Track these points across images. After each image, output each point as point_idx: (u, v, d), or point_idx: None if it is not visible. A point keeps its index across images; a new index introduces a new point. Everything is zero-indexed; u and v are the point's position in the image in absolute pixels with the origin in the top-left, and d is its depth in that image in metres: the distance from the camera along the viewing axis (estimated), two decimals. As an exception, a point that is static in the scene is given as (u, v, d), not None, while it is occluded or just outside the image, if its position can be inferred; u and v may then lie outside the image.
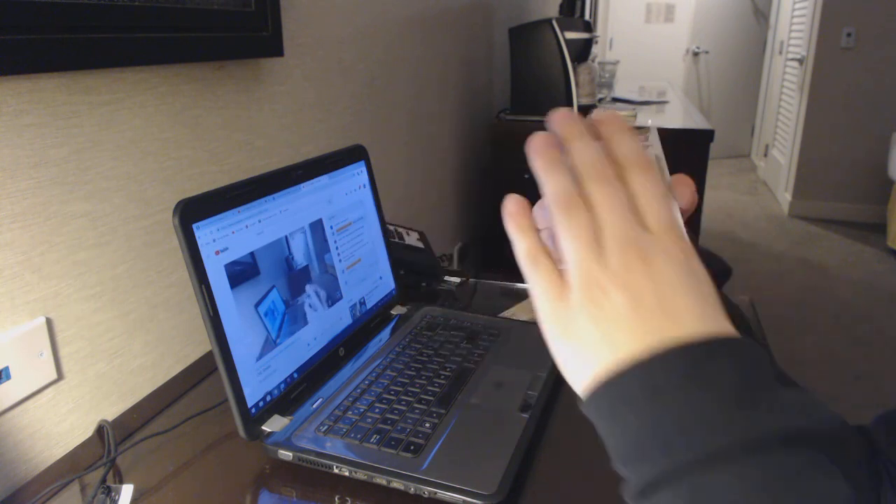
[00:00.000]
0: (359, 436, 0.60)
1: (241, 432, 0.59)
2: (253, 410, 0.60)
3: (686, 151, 2.03)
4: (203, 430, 0.67)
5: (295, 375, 0.66)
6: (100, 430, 0.68)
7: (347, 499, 0.56)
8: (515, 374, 0.71)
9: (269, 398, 0.63)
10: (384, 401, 0.65)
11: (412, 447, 0.58)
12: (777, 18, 5.30)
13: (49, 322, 0.63)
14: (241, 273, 0.61)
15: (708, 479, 0.26)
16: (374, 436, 0.60)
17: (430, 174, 1.76)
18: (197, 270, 0.56)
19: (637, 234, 0.30)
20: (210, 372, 0.79)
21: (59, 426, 0.66)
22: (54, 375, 0.64)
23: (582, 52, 2.33)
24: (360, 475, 0.56)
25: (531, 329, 0.83)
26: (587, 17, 3.70)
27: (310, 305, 0.70)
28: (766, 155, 5.27)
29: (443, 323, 0.83)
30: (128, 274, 0.73)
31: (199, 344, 0.85)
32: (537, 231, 0.33)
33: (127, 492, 0.57)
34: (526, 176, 0.34)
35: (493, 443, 0.59)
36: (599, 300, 0.29)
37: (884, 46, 3.88)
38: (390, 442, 0.59)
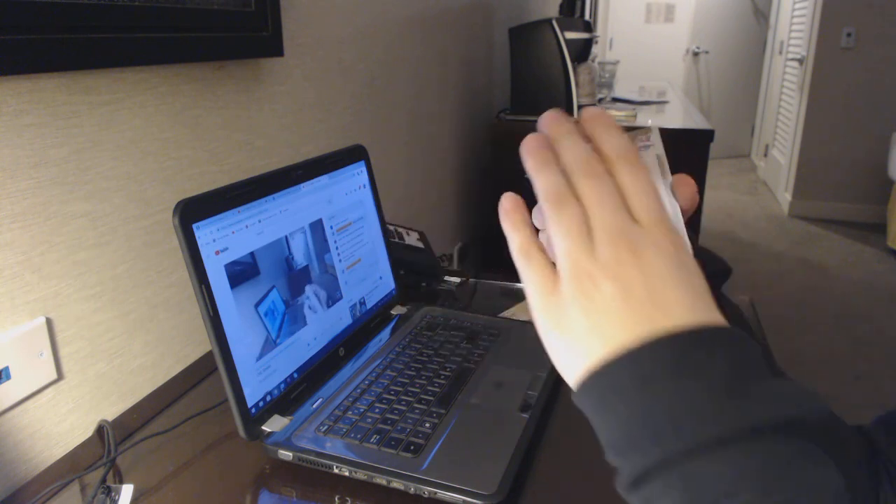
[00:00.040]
0: (359, 436, 0.60)
1: (241, 432, 0.59)
2: (253, 410, 0.60)
3: (686, 151, 2.03)
4: (203, 430, 0.67)
5: (295, 375, 0.66)
6: (100, 430, 0.68)
7: (347, 499, 0.56)
8: (515, 374, 0.71)
9: (269, 398, 0.63)
10: (384, 401, 0.65)
11: (412, 447, 0.58)
12: (777, 18, 5.30)
13: (49, 322, 0.63)
14: (241, 273, 0.61)
15: (699, 469, 0.26)
16: (374, 436, 0.60)
17: (430, 174, 1.76)
18: (197, 270, 0.56)
19: (627, 226, 0.30)
20: (210, 372, 0.79)
21: (59, 426, 0.66)
22: (54, 375, 0.64)
23: (582, 52, 2.33)
24: (360, 475, 0.56)
25: (531, 329, 0.82)
26: (587, 17, 3.70)
27: (310, 305, 0.70)
28: (766, 155, 5.27)
29: (443, 323, 0.83)
30: (128, 274, 0.73)
31: (199, 344, 0.85)
32: (531, 227, 0.33)
33: (127, 492, 0.57)
34: (525, 176, 0.34)
35: (493, 443, 0.59)
36: (590, 291, 0.30)
37: (884, 46, 3.88)
38: (390, 442, 0.59)
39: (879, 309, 2.96)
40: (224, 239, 0.59)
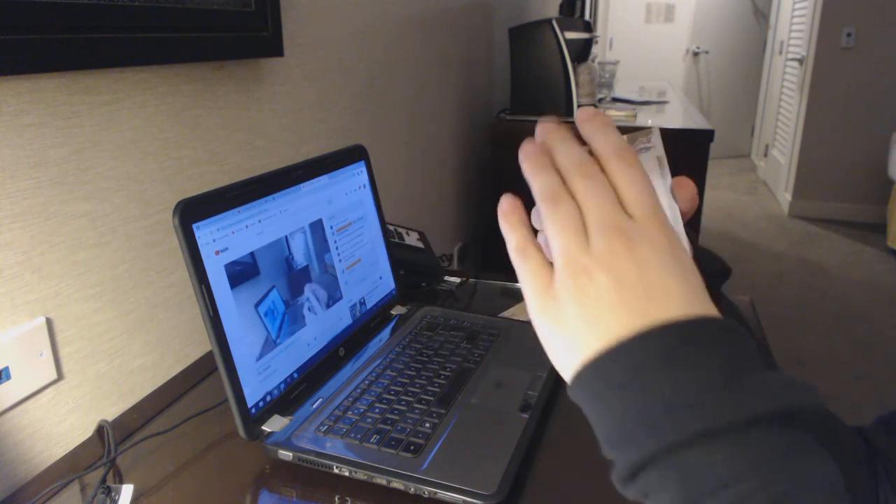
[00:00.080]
0: (359, 436, 0.60)
1: (241, 432, 0.59)
2: (253, 410, 0.60)
3: (686, 151, 2.03)
4: (203, 430, 0.67)
5: (295, 375, 0.66)
6: (100, 430, 0.68)
7: (347, 499, 0.56)
8: (515, 374, 0.71)
9: (269, 398, 0.63)
10: (384, 401, 0.65)
11: (412, 447, 0.58)
12: (777, 18, 5.30)
13: (49, 322, 0.63)
14: (241, 273, 0.61)
15: (695, 460, 0.26)
16: (374, 436, 0.60)
17: (430, 174, 1.76)
18: (197, 270, 0.56)
19: (620, 220, 0.30)
20: (210, 372, 0.79)
21: (59, 426, 0.66)
22: (54, 375, 0.64)
23: (582, 52, 2.33)
24: (360, 475, 0.56)
25: (531, 329, 0.82)
26: (587, 17, 3.70)
27: (310, 306, 0.70)
28: (766, 155, 5.27)
29: (443, 323, 0.83)
30: (128, 274, 0.73)
31: (199, 344, 0.85)
32: (529, 227, 0.34)
33: (127, 492, 0.57)
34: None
35: (493, 443, 0.59)
36: (584, 284, 0.30)
37: (884, 46, 3.88)
38: (390, 442, 0.59)
39: (879, 309, 2.96)
40: (224, 239, 0.59)
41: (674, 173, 0.36)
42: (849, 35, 3.93)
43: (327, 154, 0.77)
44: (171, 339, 0.80)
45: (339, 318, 0.75)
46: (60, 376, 0.65)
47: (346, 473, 0.57)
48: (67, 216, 0.64)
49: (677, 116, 2.53)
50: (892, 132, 3.73)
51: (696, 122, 2.29)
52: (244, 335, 0.60)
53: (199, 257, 0.56)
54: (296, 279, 0.68)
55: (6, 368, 0.59)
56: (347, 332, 0.76)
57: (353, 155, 0.82)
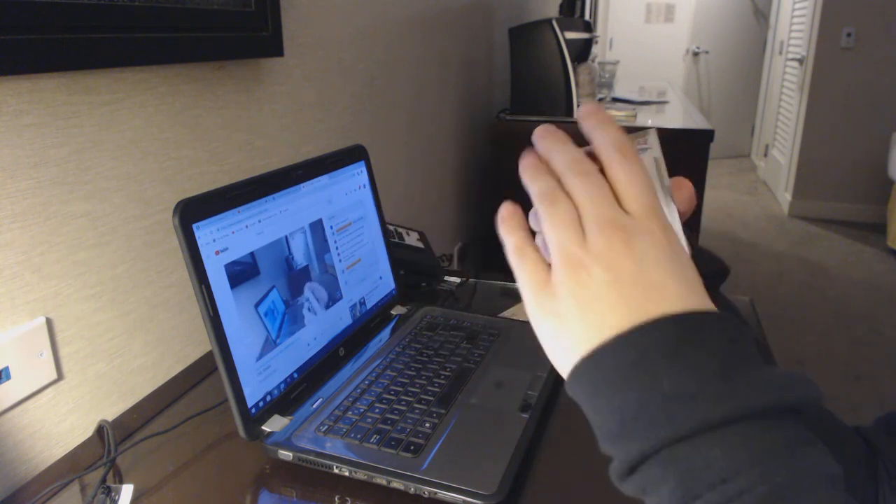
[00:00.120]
0: (359, 436, 0.60)
1: (241, 432, 0.59)
2: (253, 410, 0.60)
3: (686, 151, 2.03)
4: (203, 430, 0.67)
5: (295, 375, 0.66)
6: (100, 430, 0.68)
7: (347, 499, 0.56)
8: (515, 374, 0.71)
9: (269, 398, 0.63)
10: (384, 401, 0.65)
11: (412, 447, 0.58)
12: (777, 18, 5.30)
13: (49, 322, 0.63)
14: (241, 273, 0.61)
15: (694, 454, 0.26)
16: (374, 436, 0.60)
17: (430, 174, 1.76)
18: (197, 270, 0.56)
19: (618, 216, 0.30)
20: (210, 372, 0.79)
21: (59, 426, 0.66)
22: (54, 375, 0.64)
23: (582, 52, 2.33)
24: (360, 475, 0.56)
25: (531, 329, 0.82)
26: (587, 17, 3.70)
27: (310, 306, 0.70)
28: (766, 155, 5.27)
29: (443, 323, 0.83)
30: (128, 274, 0.73)
31: (199, 344, 0.85)
32: (527, 230, 0.34)
33: (127, 492, 0.57)
34: None
35: (493, 443, 0.59)
36: (582, 279, 0.30)
37: (884, 46, 3.88)
38: (390, 442, 0.59)
39: (879, 309, 2.96)
40: (224, 239, 0.59)
41: (674, 173, 0.36)
42: (849, 35, 3.93)
43: (327, 154, 0.77)
44: (171, 339, 0.80)
45: (339, 318, 0.75)
46: (60, 376, 0.65)
47: (346, 473, 0.57)
48: (67, 216, 0.64)
49: (677, 116, 2.53)
50: (892, 132, 3.73)
51: (696, 122, 2.29)
52: (244, 335, 0.60)
53: (199, 257, 0.56)
54: (296, 279, 0.68)
55: (6, 368, 0.59)
56: (347, 332, 0.76)
57: (353, 155, 0.82)
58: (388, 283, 0.86)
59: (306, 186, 0.72)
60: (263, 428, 0.61)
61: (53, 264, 0.63)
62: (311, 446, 0.59)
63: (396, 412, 0.64)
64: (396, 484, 0.55)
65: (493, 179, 2.24)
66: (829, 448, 0.27)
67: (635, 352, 0.28)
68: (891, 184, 3.63)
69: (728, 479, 0.25)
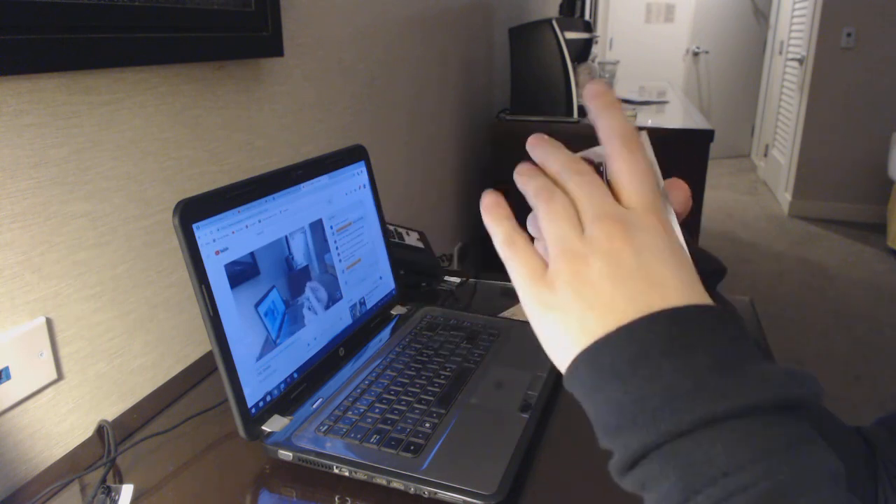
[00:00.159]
0: (359, 436, 0.60)
1: (241, 432, 0.59)
2: (253, 410, 0.60)
3: (686, 151, 2.03)
4: (203, 430, 0.67)
5: (295, 375, 0.66)
6: (100, 430, 0.68)
7: (347, 499, 0.56)
8: (515, 374, 0.71)
9: (269, 398, 0.63)
10: (384, 401, 0.65)
11: (412, 447, 0.58)
12: (777, 18, 5.30)
13: (49, 322, 0.63)
14: (241, 273, 0.61)
15: (695, 448, 0.26)
16: (374, 436, 0.60)
17: (430, 174, 1.76)
18: (197, 270, 0.56)
19: (615, 210, 0.30)
20: (210, 372, 0.79)
21: (59, 426, 0.66)
22: (54, 375, 0.64)
23: (582, 52, 2.33)
24: (360, 475, 0.56)
25: (531, 329, 0.82)
26: (587, 17, 3.70)
27: (310, 306, 0.70)
28: (766, 155, 5.27)
29: (443, 323, 0.83)
30: (128, 274, 0.73)
31: (199, 344, 0.85)
32: (514, 219, 0.34)
33: (127, 492, 0.57)
34: None
35: (493, 443, 0.59)
36: (581, 271, 0.29)
37: (884, 46, 3.88)
38: (390, 442, 0.59)
39: (879, 309, 2.96)
40: (224, 239, 0.59)
41: (674, 173, 0.36)
42: (849, 35, 3.93)
43: (327, 154, 0.77)
44: (171, 339, 0.80)
45: (339, 318, 0.75)
46: (60, 376, 0.65)
47: (346, 473, 0.57)
48: (67, 216, 0.64)
49: (677, 116, 2.53)
50: (892, 132, 3.73)
51: (696, 122, 2.29)
52: (244, 335, 0.60)
53: (199, 257, 0.56)
54: (296, 279, 0.68)
55: (6, 368, 0.59)
56: (347, 332, 0.76)
57: (353, 155, 0.82)
58: (388, 283, 0.86)
59: (306, 186, 0.72)
60: (263, 428, 0.61)
61: (53, 264, 0.63)
62: (311, 446, 0.59)
63: (396, 412, 0.64)
64: (396, 484, 0.55)
65: (493, 179, 2.24)
66: (818, 420, 0.27)
67: (636, 345, 0.27)
68: (891, 184, 3.63)
69: (730, 474, 0.25)
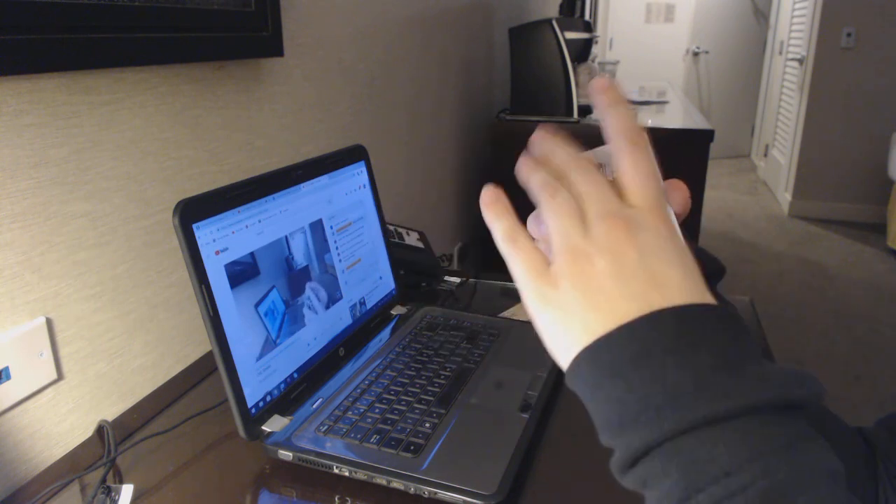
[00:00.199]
0: (359, 436, 0.60)
1: (241, 432, 0.59)
2: (253, 410, 0.60)
3: (686, 151, 2.03)
4: (203, 430, 0.67)
5: (295, 375, 0.66)
6: (100, 430, 0.68)
7: (347, 499, 0.56)
8: (515, 374, 0.71)
9: (269, 398, 0.63)
10: (384, 401, 0.65)
11: (412, 447, 0.58)
12: (777, 18, 5.30)
13: (49, 322, 0.63)
14: (241, 273, 0.61)
15: (697, 447, 0.26)
16: (374, 436, 0.60)
17: (430, 174, 1.76)
18: (197, 270, 0.56)
19: (619, 208, 0.30)
20: (210, 372, 0.79)
21: (59, 426, 0.66)
22: (54, 375, 0.64)
23: (582, 52, 2.33)
24: (360, 475, 0.56)
25: (531, 329, 0.82)
26: (587, 17, 3.70)
27: (310, 306, 0.70)
28: (766, 155, 5.27)
29: (443, 323, 0.83)
30: (128, 274, 0.73)
31: (199, 344, 0.85)
32: (514, 215, 0.33)
33: (127, 492, 0.57)
34: None
35: (493, 443, 0.59)
36: (584, 269, 0.29)
37: (884, 46, 3.88)
38: (390, 442, 0.59)
39: (879, 309, 2.96)
40: (224, 239, 0.59)
41: (673, 174, 0.36)
42: (849, 35, 3.93)
43: (327, 154, 0.77)
44: (171, 339, 0.80)
45: (339, 318, 0.75)
46: (60, 376, 0.65)
47: (346, 473, 0.57)
48: (67, 216, 0.64)
49: (677, 116, 2.53)
50: (892, 132, 3.73)
51: (696, 122, 2.29)
52: (244, 335, 0.60)
53: (199, 257, 0.56)
54: (296, 279, 0.68)
55: (6, 368, 0.59)
56: (347, 332, 0.76)
57: (353, 155, 0.82)
58: (388, 283, 0.86)
59: (306, 186, 0.72)
60: (263, 428, 0.61)
61: (53, 264, 0.63)
62: (311, 446, 0.59)
63: (396, 412, 0.64)
64: (396, 484, 0.55)
65: (493, 179, 2.23)
66: (820, 421, 0.27)
67: (638, 343, 0.27)
68: (891, 184, 3.63)
69: (730, 473, 0.25)
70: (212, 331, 0.57)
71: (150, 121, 0.74)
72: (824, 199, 4.24)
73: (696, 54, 5.92)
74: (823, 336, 2.72)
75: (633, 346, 0.28)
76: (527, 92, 2.14)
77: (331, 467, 0.57)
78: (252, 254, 0.62)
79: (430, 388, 0.68)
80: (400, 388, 0.68)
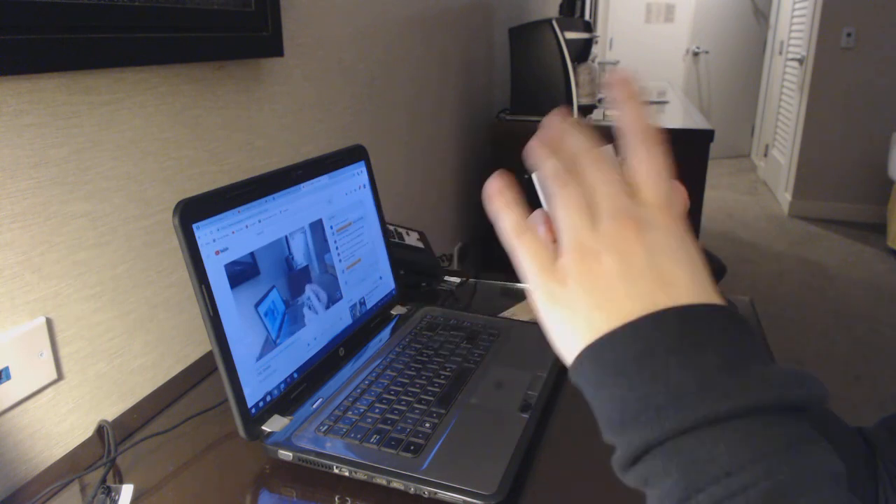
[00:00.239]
0: (359, 436, 0.60)
1: (241, 432, 0.59)
2: (253, 410, 0.60)
3: (686, 151, 2.03)
4: (203, 430, 0.67)
5: (295, 375, 0.66)
6: (100, 430, 0.68)
7: (347, 499, 0.56)
8: (515, 374, 0.71)
9: (269, 398, 0.63)
10: (384, 401, 0.65)
11: (412, 447, 0.58)
12: (777, 18, 5.30)
13: (49, 322, 0.63)
14: (241, 273, 0.61)
15: (698, 446, 0.26)
16: (374, 436, 0.60)
17: (430, 174, 1.76)
18: (197, 270, 0.56)
19: (630, 205, 0.30)
20: (210, 372, 0.79)
21: (59, 426, 0.66)
22: (54, 375, 0.64)
23: (582, 52, 2.33)
24: (360, 475, 0.56)
25: (531, 329, 0.82)
26: (587, 17, 3.70)
27: (310, 306, 0.70)
28: (766, 155, 5.27)
29: (443, 323, 0.83)
30: (128, 274, 0.73)
31: (199, 344, 0.85)
32: (522, 207, 0.33)
33: (127, 492, 0.57)
34: (526, 176, 0.34)
35: (493, 443, 0.59)
36: (591, 265, 0.29)
37: (884, 46, 3.88)
38: (390, 442, 0.59)
39: (879, 309, 2.96)
40: (224, 239, 0.59)
41: (674, 174, 0.36)
42: (849, 35, 3.93)
43: (327, 154, 0.77)
44: (171, 339, 0.80)
45: (339, 318, 0.75)
46: (60, 376, 0.65)
47: (346, 473, 0.57)
48: (67, 216, 0.64)
49: (677, 116, 2.53)
50: (892, 132, 3.73)
51: (696, 122, 2.29)
52: (244, 335, 0.60)
53: (199, 257, 0.56)
54: (296, 279, 0.68)
55: (6, 368, 0.59)
56: (347, 332, 0.76)
57: (353, 155, 0.82)
58: (388, 283, 0.86)
59: (306, 186, 0.72)
60: (263, 428, 0.61)
61: (53, 264, 0.63)
62: (311, 446, 0.59)
63: (396, 412, 0.64)
64: (396, 484, 0.55)
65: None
66: (823, 423, 0.27)
67: (641, 342, 0.27)
68: (891, 184, 3.63)
69: (731, 474, 0.25)
70: (212, 331, 0.57)
71: (150, 121, 0.74)
72: (824, 199, 4.24)
73: (696, 54, 5.92)
74: (823, 336, 2.72)
75: (637, 344, 0.28)
76: (527, 92, 2.14)
77: (331, 467, 0.57)
78: (252, 254, 0.62)
79: (430, 388, 0.68)
80: (400, 388, 0.68)
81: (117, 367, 0.72)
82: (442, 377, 0.70)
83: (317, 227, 0.73)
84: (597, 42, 3.13)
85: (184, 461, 0.62)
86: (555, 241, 0.32)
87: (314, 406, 0.65)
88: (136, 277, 0.74)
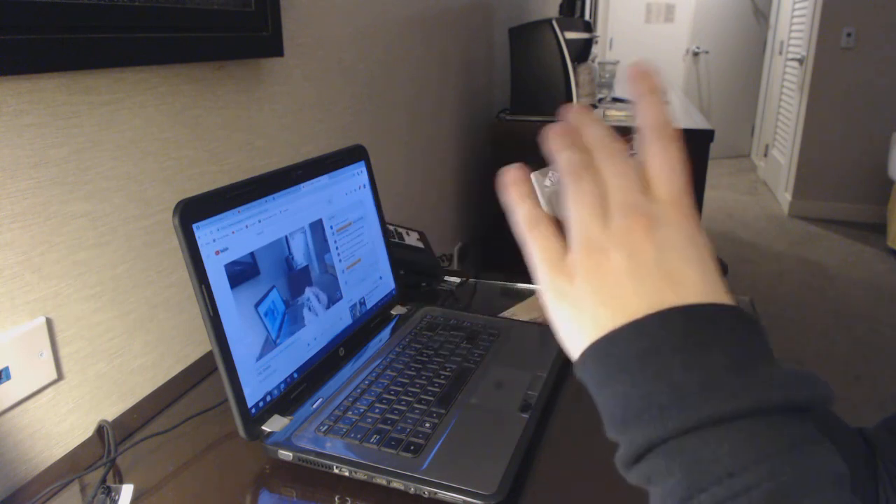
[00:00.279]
0: (359, 436, 0.60)
1: (241, 432, 0.59)
2: (253, 410, 0.60)
3: (686, 151, 2.02)
4: (203, 430, 0.67)
5: (295, 375, 0.66)
6: (100, 430, 0.68)
7: (347, 499, 0.56)
8: (515, 374, 0.71)
9: (269, 398, 0.63)
10: (384, 401, 0.65)
11: (412, 447, 0.58)
12: (777, 18, 5.30)
13: (49, 322, 0.63)
14: (241, 273, 0.61)
15: (702, 446, 0.26)
16: (374, 436, 0.60)
17: (430, 174, 1.76)
18: (197, 270, 0.56)
19: (642, 202, 0.30)
20: (210, 372, 0.79)
21: (59, 426, 0.66)
22: (54, 375, 0.64)
23: (582, 52, 2.33)
24: (360, 475, 0.56)
25: (531, 329, 0.82)
26: (587, 17, 3.70)
27: (310, 306, 0.70)
28: (766, 155, 5.27)
29: (443, 323, 0.83)
30: (128, 274, 0.73)
31: (199, 344, 0.85)
32: (536, 199, 0.33)
33: (127, 492, 0.57)
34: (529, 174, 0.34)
35: (493, 443, 0.59)
36: (600, 262, 0.29)
37: (884, 46, 3.88)
38: (390, 442, 0.59)
39: (879, 309, 2.96)
40: (224, 239, 0.59)
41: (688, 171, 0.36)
42: (849, 35, 3.93)
43: (327, 154, 0.77)
44: (171, 339, 0.80)
45: (339, 318, 0.75)
46: (60, 376, 0.65)
47: (346, 473, 0.57)
48: (67, 216, 0.64)
49: (677, 116, 2.53)
50: (892, 132, 3.73)
51: (696, 122, 2.29)
52: (244, 335, 0.60)
53: (199, 257, 0.56)
54: (296, 279, 0.68)
55: (6, 368, 0.59)
56: (347, 332, 0.76)
57: (353, 155, 0.82)
58: (388, 283, 0.86)
59: (306, 186, 0.72)
60: (263, 428, 0.61)
61: (53, 264, 0.63)
62: (311, 446, 0.59)
63: (396, 412, 0.64)
64: (396, 484, 0.55)
65: (493, 179, 2.23)
66: (833, 436, 0.27)
67: (646, 340, 0.27)
68: (891, 184, 3.63)
69: (734, 474, 0.25)
70: (212, 331, 0.57)
71: (150, 121, 0.74)
72: (824, 199, 4.24)
73: (696, 54, 5.92)
74: (823, 336, 2.72)
75: (641, 342, 0.27)
76: (527, 92, 2.14)
77: (331, 467, 0.57)
78: (252, 254, 0.62)
79: (430, 388, 0.68)
80: (400, 388, 0.68)
81: (117, 367, 0.72)
82: (442, 377, 0.70)
83: (317, 227, 0.73)
84: (597, 42, 3.13)
85: (184, 461, 0.62)
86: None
87: (314, 406, 0.65)
88: (136, 277, 0.74)
